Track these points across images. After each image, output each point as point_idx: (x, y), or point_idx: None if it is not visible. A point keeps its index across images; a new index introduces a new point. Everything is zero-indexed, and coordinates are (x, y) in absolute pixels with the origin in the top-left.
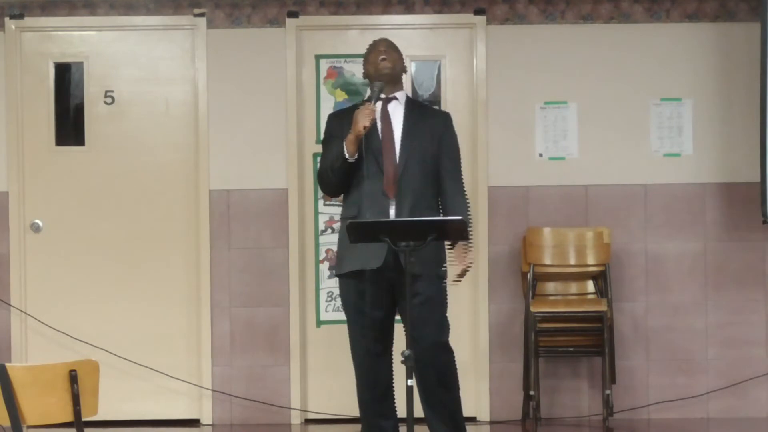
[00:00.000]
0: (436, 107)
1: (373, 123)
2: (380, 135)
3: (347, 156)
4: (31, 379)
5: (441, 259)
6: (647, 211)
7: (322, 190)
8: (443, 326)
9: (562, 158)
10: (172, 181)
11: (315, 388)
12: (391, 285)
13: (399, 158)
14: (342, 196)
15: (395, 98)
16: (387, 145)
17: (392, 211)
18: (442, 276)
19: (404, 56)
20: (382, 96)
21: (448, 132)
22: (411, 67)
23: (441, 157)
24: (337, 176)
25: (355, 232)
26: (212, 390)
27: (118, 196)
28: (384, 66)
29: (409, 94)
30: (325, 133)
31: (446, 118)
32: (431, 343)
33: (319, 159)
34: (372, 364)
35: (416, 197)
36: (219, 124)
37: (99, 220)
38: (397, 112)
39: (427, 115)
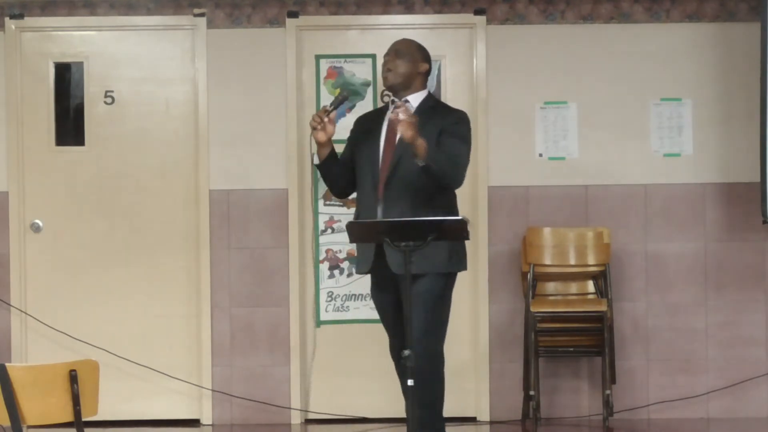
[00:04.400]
0: (454, 107)
1: (371, 128)
2: (383, 139)
3: (316, 159)
4: (31, 379)
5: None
6: (647, 211)
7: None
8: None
9: (562, 158)
10: (172, 181)
11: (315, 388)
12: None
13: (391, 160)
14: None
15: (407, 101)
16: (388, 149)
17: (379, 212)
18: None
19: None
20: (391, 100)
21: (452, 127)
22: None
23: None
24: (323, 177)
25: (355, 232)
26: (212, 390)
27: (118, 196)
28: (385, 78)
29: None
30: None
31: (457, 115)
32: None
33: None
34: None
35: (411, 197)
36: (219, 124)
37: (99, 220)
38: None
39: (436, 115)
